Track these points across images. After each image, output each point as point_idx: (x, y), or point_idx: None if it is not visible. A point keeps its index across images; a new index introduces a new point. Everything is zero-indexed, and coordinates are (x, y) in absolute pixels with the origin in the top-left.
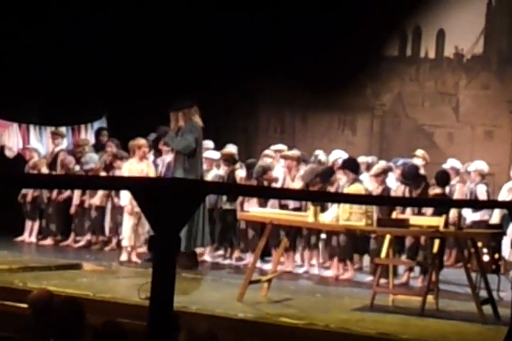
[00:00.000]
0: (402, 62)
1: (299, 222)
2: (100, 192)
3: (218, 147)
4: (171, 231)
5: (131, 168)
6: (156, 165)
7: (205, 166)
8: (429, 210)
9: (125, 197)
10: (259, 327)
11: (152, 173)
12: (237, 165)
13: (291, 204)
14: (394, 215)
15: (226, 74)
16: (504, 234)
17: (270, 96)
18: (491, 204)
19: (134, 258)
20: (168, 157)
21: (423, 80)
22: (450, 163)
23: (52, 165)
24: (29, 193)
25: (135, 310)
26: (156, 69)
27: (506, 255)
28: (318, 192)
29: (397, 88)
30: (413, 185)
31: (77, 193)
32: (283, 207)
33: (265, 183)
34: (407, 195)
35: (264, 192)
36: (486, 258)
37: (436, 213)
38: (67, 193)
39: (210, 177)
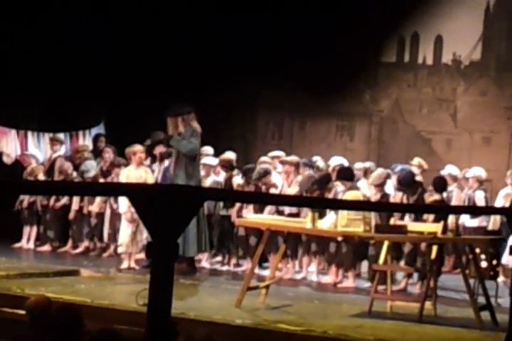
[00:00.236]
0: (400, 68)
1: (297, 229)
2: (98, 199)
3: (217, 153)
4: (169, 237)
5: (130, 174)
6: (151, 171)
7: (203, 172)
8: (430, 216)
9: (124, 204)
10: (257, 334)
11: (150, 179)
12: (235, 171)
13: (287, 209)
14: (392, 221)
15: (224, 80)
16: (504, 240)
17: (268, 103)
18: (489, 210)
19: (132, 264)
20: (165, 162)
21: (421, 86)
22: (448, 170)
23: (49, 171)
24: (25, 199)
25: (133, 317)
26: (154, 76)
27: (505, 261)
28: (317, 199)
29: (395, 94)
30: (409, 192)
31: (75, 199)
32: (279, 212)
33: (263, 188)
34: (405, 201)
35: (262, 199)
36: (484, 264)
37: (436, 219)
38: (64, 200)
39: (208, 183)
